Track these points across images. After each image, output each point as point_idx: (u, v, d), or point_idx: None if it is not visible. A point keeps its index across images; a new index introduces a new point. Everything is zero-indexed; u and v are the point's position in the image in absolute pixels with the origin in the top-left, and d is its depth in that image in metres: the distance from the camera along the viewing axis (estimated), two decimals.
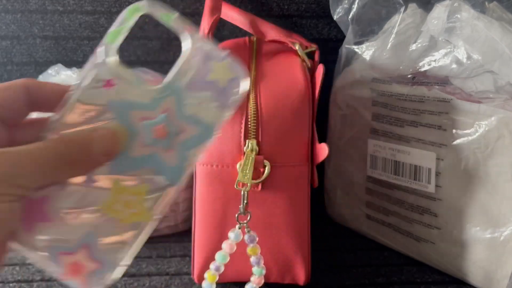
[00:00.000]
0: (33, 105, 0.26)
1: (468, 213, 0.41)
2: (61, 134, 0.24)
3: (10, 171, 0.22)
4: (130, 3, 0.58)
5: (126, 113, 0.25)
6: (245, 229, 0.38)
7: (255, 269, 0.39)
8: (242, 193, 0.38)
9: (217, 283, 0.40)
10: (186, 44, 0.26)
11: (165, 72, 0.67)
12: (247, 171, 0.37)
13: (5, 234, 0.23)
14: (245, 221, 0.38)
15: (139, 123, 0.25)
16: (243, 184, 0.37)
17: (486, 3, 0.44)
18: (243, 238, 0.38)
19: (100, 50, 0.25)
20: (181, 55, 0.26)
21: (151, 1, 0.25)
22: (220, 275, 0.40)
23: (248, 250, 0.38)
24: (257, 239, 0.38)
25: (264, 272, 0.39)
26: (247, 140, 0.38)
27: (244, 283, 0.41)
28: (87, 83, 0.25)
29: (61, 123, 0.25)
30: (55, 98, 0.26)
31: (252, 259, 0.38)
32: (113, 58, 0.25)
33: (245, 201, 0.38)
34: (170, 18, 0.26)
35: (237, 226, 0.38)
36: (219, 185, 0.40)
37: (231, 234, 0.38)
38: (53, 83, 0.27)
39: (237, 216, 0.38)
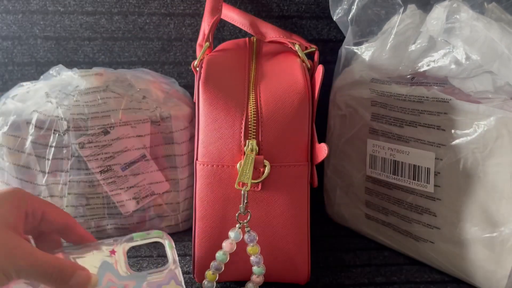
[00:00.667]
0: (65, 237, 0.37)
1: (467, 212, 0.42)
2: (55, 257, 0.33)
3: (6, 259, 0.29)
4: (131, 4, 0.59)
5: (103, 272, 0.34)
6: (245, 229, 0.38)
7: (255, 269, 0.39)
8: (242, 192, 0.38)
9: (217, 282, 0.40)
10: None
11: (165, 72, 0.68)
12: (247, 171, 0.37)
13: None
14: (245, 221, 0.38)
15: (106, 282, 0.34)
16: (243, 184, 0.38)
17: (485, 4, 0.44)
18: (243, 237, 0.38)
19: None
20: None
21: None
22: (220, 274, 0.40)
23: (248, 249, 0.38)
24: (257, 238, 0.38)
25: (264, 271, 0.39)
26: (247, 140, 0.38)
27: (244, 282, 0.41)
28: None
29: (67, 253, 0.34)
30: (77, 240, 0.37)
31: (252, 258, 0.39)
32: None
33: (245, 201, 0.38)
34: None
35: (237, 226, 0.38)
36: (219, 185, 0.40)
37: (231, 234, 0.38)
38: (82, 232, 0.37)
39: (237, 215, 0.38)
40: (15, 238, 0.30)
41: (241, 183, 0.38)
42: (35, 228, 0.35)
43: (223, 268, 0.39)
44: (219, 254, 0.38)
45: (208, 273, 0.39)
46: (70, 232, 0.36)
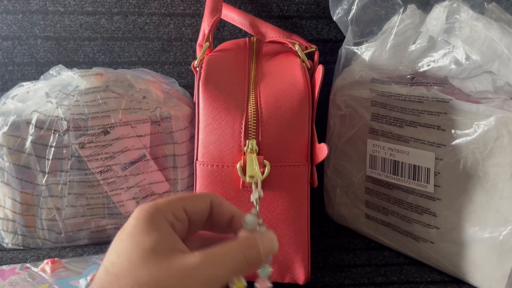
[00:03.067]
0: (210, 219, 0.30)
1: (467, 212, 0.42)
2: (240, 239, 0.28)
3: (216, 272, 0.25)
4: (131, 4, 0.59)
5: None
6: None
7: (261, 270, 0.36)
8: (254, 181, 0.35)
9: None
10: None
11: (165, 72, 0.68)
12: (254, 166, 0.37)
13: None
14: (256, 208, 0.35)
15: None
16: (252, 177, 0.36)
17: (485, 4, 0.44)
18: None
19: None
20: None
21: None
22: None
23: None
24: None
25: (270, 272, 0.34)
26: (247, 140, 0.38)
27: (247, 282, 0.41)
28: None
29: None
30: (227, 218, 0.30)
31: None
32: None
33: (259, 189, 0.34)
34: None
35: (253, 210, 0.35)
36: (219, 184, 0.40)
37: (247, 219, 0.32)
38: (229, 205, 0.30)
39: (256, 199, 0.35)
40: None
41: (248, 177, 0.37)
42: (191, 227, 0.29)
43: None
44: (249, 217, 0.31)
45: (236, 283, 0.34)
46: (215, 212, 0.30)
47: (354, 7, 0.50)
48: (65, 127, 0.47)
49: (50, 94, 0.49)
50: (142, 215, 0.26)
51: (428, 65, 0.45)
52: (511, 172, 0.38)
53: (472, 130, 0.40)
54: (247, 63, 0.45)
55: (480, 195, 0.40)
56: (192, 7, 0.59)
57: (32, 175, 0.48)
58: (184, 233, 0.28)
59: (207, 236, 0.31)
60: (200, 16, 0.59)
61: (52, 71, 0.52)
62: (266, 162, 0.38)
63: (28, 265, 0.46)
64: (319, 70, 0.41)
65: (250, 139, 0.38)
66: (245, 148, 0.38)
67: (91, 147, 0.48)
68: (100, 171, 0.48)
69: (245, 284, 0.28)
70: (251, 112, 0.39)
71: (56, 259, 0.46)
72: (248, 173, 0.37)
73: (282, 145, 0.39)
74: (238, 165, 0.38)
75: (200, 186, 0.41)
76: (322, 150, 0.39)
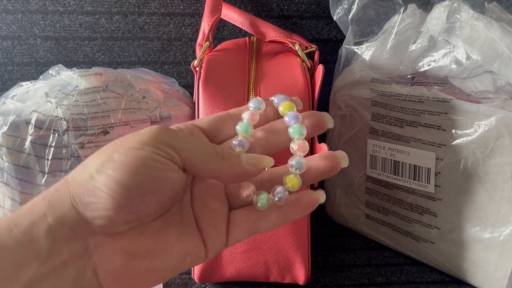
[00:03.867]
0: None
1: (467, 213, 0.42)
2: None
3: (172, 139, 0.25)
4: (130, 3, 0.59)
5: None
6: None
7: (292, 129, 0.28)
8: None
9: (217, 283, 0.40)
10: None
11: (165, 72, 0.68)
12: None
13: (168, 191, 0.25)
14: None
15: None
16: None
17: (486, 4, 0.44)
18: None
19: None
20: None
21: None
22: (220, 275, 0.40)
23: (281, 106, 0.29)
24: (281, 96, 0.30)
25: (304, 132, 0.28)
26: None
27: (245, 282, 0.41)
28: None
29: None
30: None
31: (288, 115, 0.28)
32: None
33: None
34: None
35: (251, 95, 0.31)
36: None
37: (250, 104, 0.30)
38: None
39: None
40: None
41: None
42: None
43: (248, 146, 0.28)
44: (240, 125, 0.28)
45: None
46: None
47: (355, 7, 0.50)
48: (64, 127, 0.47)
49: (49, 94, 0.48)
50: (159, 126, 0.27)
51: (429, 65, 0.44)
52: None
53: (472, 130, 0.40)
54: (247, 63, 0.45)
55: (480, 195, 0.40)
56: (192, 7, 0.59)
57: (32, 175, 0.48)
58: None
59: None
60: (200, 15, 0.59)
61: (51, 71, 0.51)
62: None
63: None
64: (319, 70, 0.41)
65: None
66: None
67: (91, 147, 0.48)
68: None
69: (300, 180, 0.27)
70: None
71: None
72: None
73: None
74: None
75: None
76: (323, 150, 0.38)
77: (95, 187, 0.23)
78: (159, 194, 0.24)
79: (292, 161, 0.27)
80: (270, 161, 0.27)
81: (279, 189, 0.27)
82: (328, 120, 0.29)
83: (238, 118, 0.29)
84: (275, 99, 0.29)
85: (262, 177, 0.29)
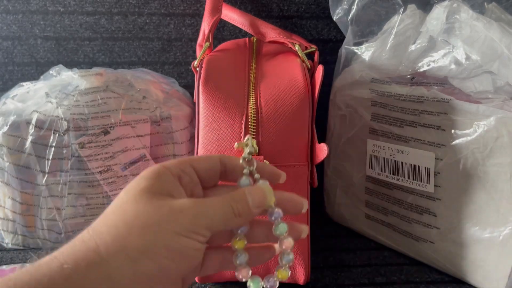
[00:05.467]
0: (222, 175, 0.32)
1: (467, 212, 0.42)
2: (229, 194, 0.29)
3: (206, 219, 0.27)
4: (131, 4, 0.59)
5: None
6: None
7: (278, 228, 0.31)
8: (244, 144, 0.36)
9: (217, 283, 0.40)
10: None
11: (165, 72, 0.68)
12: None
13: (193, 267, 0.28)
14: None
15: None
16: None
17: (485, 4, 0.44)
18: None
19: None
20: None
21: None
22: (220, 275, 0.40)
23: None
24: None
25: (285, 228, 0.31)
26: (247, 136, 0.38)
27: (245, 283, 0.41)
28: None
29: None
30: (237, 171, 0.32)
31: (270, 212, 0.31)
32: None
33: (250, 145, 0.36)
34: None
35: (244, 170, 0.32)
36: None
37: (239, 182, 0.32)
38: (236, 160, 0.32)
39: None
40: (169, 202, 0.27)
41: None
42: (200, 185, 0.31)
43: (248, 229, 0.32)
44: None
45: (235, 241, 0.32)
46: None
47: (354, 7, 0.50)
48: (65, 127, 0.47)
49: (50, 94, 0.49)
50: (149, 169, 0.29)
51: (428, 65, 0.45)
52: (511, 172, 0.38)
53: (472, 130, 0.40)
54: (247, 63, 0.45)
55: (480, 195, 0.40)
56: (192, 7, 0.59)
57: (32, 175, 0.48)
58: (193, 185, 0.30)
59: None
60: (200, 16, 0.59)
61: (52, 71, 0.51)
62: (266, 162, 0.38)
63: (28, 265, 0.46)
64: (319, 70, 0.41)
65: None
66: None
67: (91, 147, 0.48)
68: (100, 171, 0.48)
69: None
70: (251, 112, 0.39)
71: None
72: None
73: (282, 145, 0.39)
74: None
75: None
76: (322, 150, 0.39)
77: (138, 271, 0.24)
78: (187, 272, 0.27)
79: (282, 260, 0.32)
80: (270, 194, 0.30)
81: (271, 279, 0.32)
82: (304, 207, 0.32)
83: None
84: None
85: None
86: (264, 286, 0.31)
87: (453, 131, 0.41)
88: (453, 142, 0.41)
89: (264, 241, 0.33)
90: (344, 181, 0.54)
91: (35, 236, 0.50)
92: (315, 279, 0.45)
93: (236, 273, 0.31)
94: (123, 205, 0.27)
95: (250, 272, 0.31)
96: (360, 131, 0.50)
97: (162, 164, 0.29)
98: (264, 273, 0.34)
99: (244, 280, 0.31)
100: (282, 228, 0.31)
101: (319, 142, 0.40)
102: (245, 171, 0.32)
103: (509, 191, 0.38)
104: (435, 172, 0.43)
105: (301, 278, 0.42)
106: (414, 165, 0.45)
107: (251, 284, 0.31)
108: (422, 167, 0.44)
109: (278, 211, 0.31)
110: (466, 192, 0.41)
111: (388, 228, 0.50)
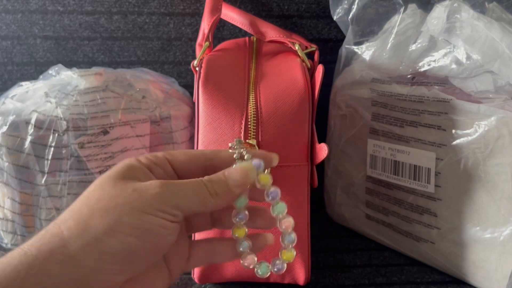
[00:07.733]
0: (210, 169, 0.31)
1: (467, 213, 0.41)
2: (207, 176, 0.29)
3: (175, 197, 0.27)
4: (130, 3, 0.59)
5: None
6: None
7: (276, 208, 0.31)
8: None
9: (217, 283, 0.40)
10: None
11: (165, 72, 0.68)
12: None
13: (166, 247, 0.27)
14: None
15: None
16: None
17: (486, 4, 0.44)
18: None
19: None
20: None
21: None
22: (220, 275, 0.40)
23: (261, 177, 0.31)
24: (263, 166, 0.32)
25: (245, 201, 0.31)
26: (246, 140, 0.38)
27: (245, 282, 0.41)
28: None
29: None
30: (228, 162, 0.32)
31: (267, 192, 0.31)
32: None
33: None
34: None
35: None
36: None
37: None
38: (224, 152, 0.32)
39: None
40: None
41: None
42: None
43: (247, 216, 0.31)
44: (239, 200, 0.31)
45: (235, 230, 0.32)
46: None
47: (355, 7, 0.50)
48: (64, 127, 0.47)
49: (49, 94, 0.48)
50: (121, 162, 0.29)
51: (429, 65, 0.44)
52: None
53: (473, 130, 0.40)
54: (247, 62, 0.45)
55: (481, 195, 0.40)
56: (192, 7, 0.59)
57: (32, 175, 0.48)
58: (168, 178, 0.30)
59: None
60: (200, 15, 0.59)
61: (51, 71, 0.51)
62: (256, 147, 0.38)
63: None
64: (319, 70, 0.41)
65: (250, 139, 0.38)
66: None
67: (91, 147, 0.48)
68: (99, 171, 0.48)
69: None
70: (251, 112, 0.39)
71: None
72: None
73: (282, 145, 0.39)
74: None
75: None
76: (322, 150, 0.38)
77: (102, 251, 0.24)
78: (160, 253, 0.28)
79: (284, 241, 0.31)
80: (253, 172, 0.30)
81: (277, 262, 0.31)
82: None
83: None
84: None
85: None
86: (272, 271, 0.30)
87: (453, 131, 0.41)
88: (454, 142, 0.41)
89: (266, 228, 0.33)
90: (345, 181, 0.54)
91: None
92: (315, 279, 0.45)
93: (241, 261, 0.30)
94: (89, 192, 0.27)
95: (256, 258, 0.30)
96: (360, 131, 0.50)
97: (135, 157, 0.30)
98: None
99: (251, 267, 0.30)
100: (280, 207, 0.30)
101: (319, 142, 0.40)
102: (235, 155, 0.31)
103: (510, 191, 0.38)
104: (435, 172, 0.43)
105: (301, 278, 0.42)
106: (414, 165, 0.45)
107: (259, 271, 0.30)
108: (422, 167, 0.44)
109: (275, 191, 0.30)
110: (466, 192, 0.41)
111: (389, 228, 0.50)
